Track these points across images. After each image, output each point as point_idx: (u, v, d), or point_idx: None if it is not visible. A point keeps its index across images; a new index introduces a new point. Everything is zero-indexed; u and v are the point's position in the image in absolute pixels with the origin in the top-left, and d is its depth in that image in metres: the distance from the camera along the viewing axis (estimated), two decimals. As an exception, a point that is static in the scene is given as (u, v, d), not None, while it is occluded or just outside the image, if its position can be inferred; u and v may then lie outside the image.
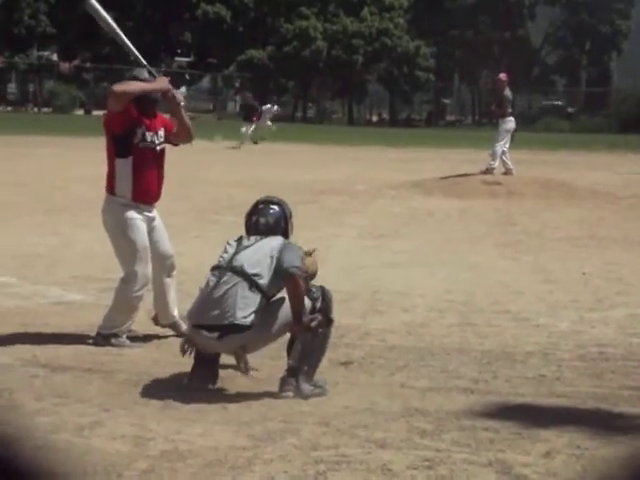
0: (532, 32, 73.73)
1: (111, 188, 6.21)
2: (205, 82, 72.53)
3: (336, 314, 7.20)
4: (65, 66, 64.04)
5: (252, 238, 5.31)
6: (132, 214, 6.17)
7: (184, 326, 5.93)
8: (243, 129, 30.25)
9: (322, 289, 5.37)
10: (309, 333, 5.13)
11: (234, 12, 62.04)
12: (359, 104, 72.11)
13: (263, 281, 5.10)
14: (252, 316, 5.04)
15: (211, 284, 5.16)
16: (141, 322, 6.66)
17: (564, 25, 73.71)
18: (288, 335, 5.26)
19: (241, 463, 4.04)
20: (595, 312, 7.44)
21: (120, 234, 6.17)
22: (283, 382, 5.10)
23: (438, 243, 11.18)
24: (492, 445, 4.30)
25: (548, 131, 49.99)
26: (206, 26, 60.67)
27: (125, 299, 6.17)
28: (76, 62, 64.21)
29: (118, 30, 6.21)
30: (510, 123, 18.48)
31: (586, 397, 5.14)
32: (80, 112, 59.03)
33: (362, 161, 26.70)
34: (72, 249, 10.14)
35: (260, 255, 5.16)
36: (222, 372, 5.48)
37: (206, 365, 5.22)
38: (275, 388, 5.14)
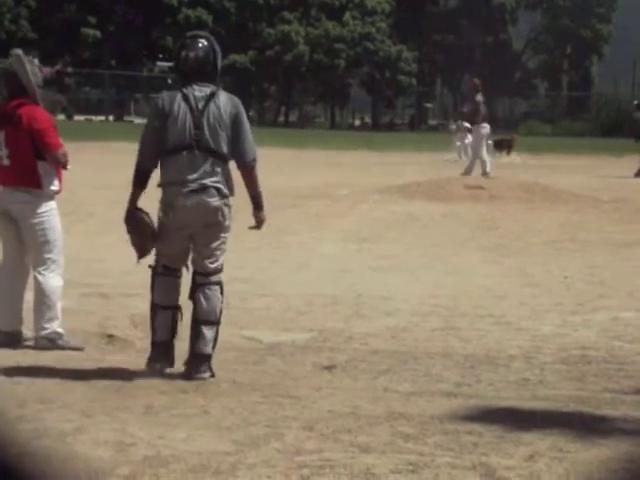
0: (514, 37, 74.05)
1: (36, 184, 6.16)
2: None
3: (320, 318, 7.22)
4: (46, 71, 63.88)
5: (199, 97, 5.43)
6: (55, 204, 6.26)
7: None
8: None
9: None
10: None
11: (216, 16, 62.03)
12: (341, 108, 72.20)
13: (226, 152, 5.49)
14: (228, 187, 5.52)
15: (186, 161, 5.40)
16: (122, 327, 6.65)
17: (545, 30, 74.07)
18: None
19: (224, 468, 4.03)
20: (577, 315, 7.46)
21: (49, 224, 6.18)
22: (197, 367, 5.44)
23: (421, 247, 11.19)
24: (475, 448, 4.31)
25: (530, 135, 50.21)
26: (188, 30, 60.19)
27: (56, 287, 6.17)
28: (57, 67, 64.03)
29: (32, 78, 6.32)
30: (484, 129, 19.33)
31: (569, 400, 5.15)
32: (62, 117, 58.87)
33: (345, 165, 26.73)
34: (54, 254, 10.08)
35: (222, 130, 5.44)
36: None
37: (162, 349, 5.54)
38: (259, 393, 5.13)
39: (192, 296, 5.57)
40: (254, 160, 5.62)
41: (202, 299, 5.51)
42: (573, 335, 6.79)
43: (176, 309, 5.58)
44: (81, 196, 15.61)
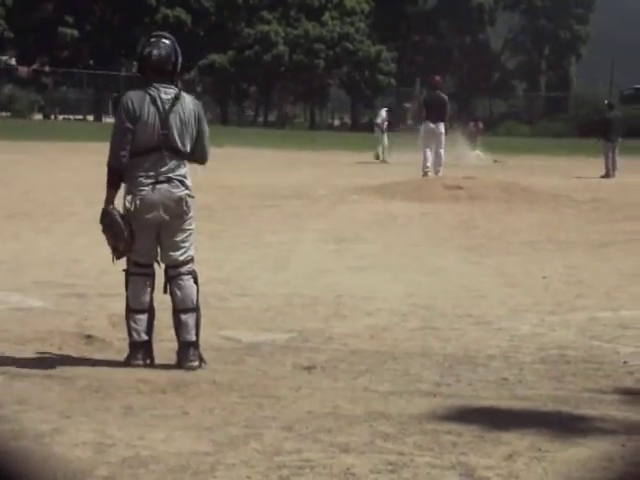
0: (492, 37, 74.25)
1: None
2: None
3: (299, 319, 7.21)
4: (23, 70, 63.49)
5: (165, 99, 5.65)
6: None
7: None
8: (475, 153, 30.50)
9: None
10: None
11: (194, 16, 61.84)
12: (321, 108, 72.18)
13: (189, 151, 5.78)
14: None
15: (153, 160, 5.64)
16: (101, 327, 6.62)
17: (523, 30, 74.32)
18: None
19: (204, 469, 4.02)
20: (556, 315, 7.49)
21: None
22: (186, 354, 5.69)
23: (400, 247, 11.21)
24: (455, 448, 4.31)
25: (509, 135, 50.36)
26: (166, 30, 60.16)
27: None
28: (35, 66, 63.70)
29: None
30: (426, 127, 19.90)
31: (547, 400, 5.17)
32: (39, 116, 58.61)
33: (324, 165, 26.74)
34: (33, 255, 10.04)
35: (187, 131, 5.70)
36: (182, 377, 5.47)
37: (141, 348, 5.73)
38: (238, 393, 5.13)
39: (166, 290, 5.80)
40: (207, 159, 5.97)
41: (176, 290, 5.76)
42: (551, 335, 6.82)
43: (150, 311, 5.79)
44: (59, 197, 15.55)
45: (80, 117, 58.43)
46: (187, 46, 64.26)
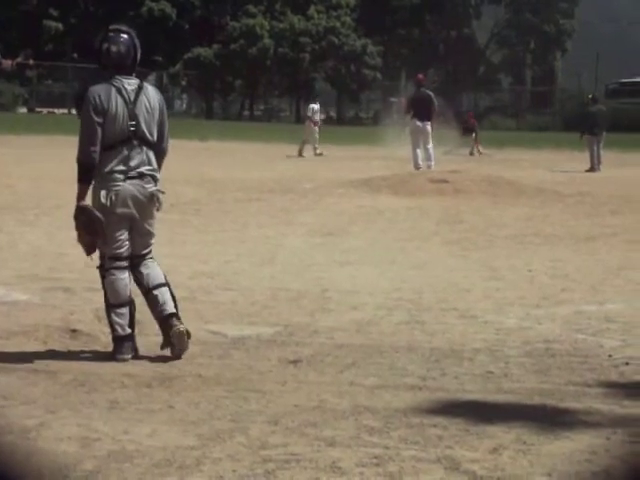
0: (478, 31, 74.32)
1: None
2: (150, 80, 72.09)
3: (285, 313, 7.21)
4: (7, 63, 63.17)
5: (129, 90, 5.68)
6: None
7: None
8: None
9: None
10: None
11: (179, 10, 61.70)
12: (306, 102, 72.10)
13: (156, 141, 5.80)
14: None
15: (125, 153, 5.65)
16: (87, 321, 6.60)
17: (509, 24, 74.40)
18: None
19: (189, 463, 4.01)
20: (541, 309, 7.51)
21: None
22: (172, 322, 5.69)
23: (386, 241, 11.21)
24: (440, 442, 4.32)
25: (494, 129, 50.40)
26: (151, 24, 60.20)
27: None
28: (19, 59, 63.38)
29: None
30: (412, 124, 19.85)
31: (533, 393, 5.19)
32: (23, 110, 58.33)
33: (310, 159, 26.72)
34: (17, 248, 10.01)
35: (153, 121, 5.75)
36: (168, 371, 5.46)
37: (125, 342, 5.72)
38: (224, 387, 5.12)
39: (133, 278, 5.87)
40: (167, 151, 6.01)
41: (143, 271, 5.82)
42: (537, 328, 6.83)
43: (131, 303, 5.81)
44: (45, 189, 15.49)
45: (65, 111, 58.17)
46: (172, 40, 63.87)
